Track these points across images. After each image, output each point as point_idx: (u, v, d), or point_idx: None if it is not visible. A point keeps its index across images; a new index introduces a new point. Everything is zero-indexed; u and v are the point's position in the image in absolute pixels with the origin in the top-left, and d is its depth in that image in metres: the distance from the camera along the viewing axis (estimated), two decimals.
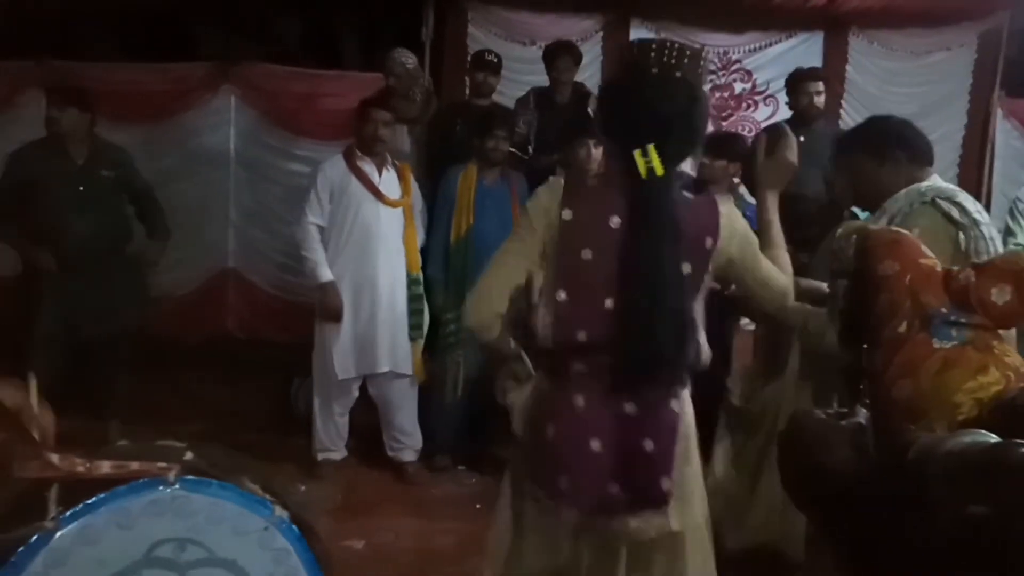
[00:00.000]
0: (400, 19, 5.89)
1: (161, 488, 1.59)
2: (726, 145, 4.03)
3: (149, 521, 1.57)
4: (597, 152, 4.27)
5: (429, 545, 3.66)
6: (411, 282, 4.20)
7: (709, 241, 1.89)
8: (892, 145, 2.60)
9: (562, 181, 1.93)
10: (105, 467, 1.57)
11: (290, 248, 5.18)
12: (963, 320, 1.59)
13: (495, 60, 4.89)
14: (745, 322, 4.44)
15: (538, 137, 4.84)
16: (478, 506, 3.95)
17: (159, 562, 1.58)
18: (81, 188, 4.09)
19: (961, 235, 2.40)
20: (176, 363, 5.18)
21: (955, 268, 1.73)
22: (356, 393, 4.25)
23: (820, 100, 4.80)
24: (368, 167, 4.11)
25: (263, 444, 4.36)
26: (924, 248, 1.77)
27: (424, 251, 4.30)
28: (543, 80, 5.17)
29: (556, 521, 1.94)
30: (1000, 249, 2.41)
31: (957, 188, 2.64)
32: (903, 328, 1.61)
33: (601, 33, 6.03)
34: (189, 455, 1.70)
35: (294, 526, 1.69)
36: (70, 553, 1.50)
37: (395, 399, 4.26)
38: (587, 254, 1.86)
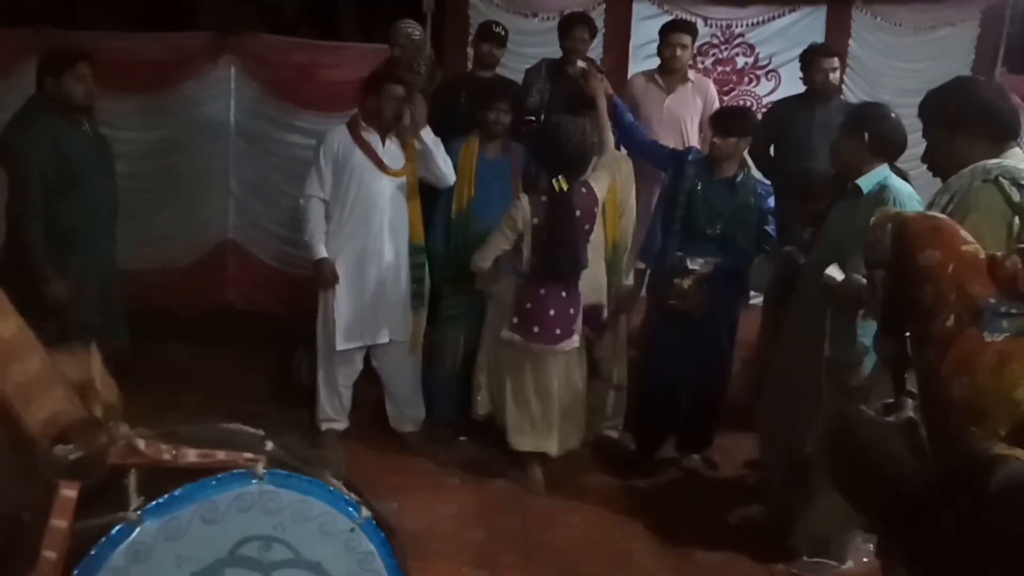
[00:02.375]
0: None
1: (251, 482, 1.49)
2: (735, 122, 3.99)
3: (235, 517, 1.48)
4: None
5: (430, 514, 3.69)
6: (413, 251, 4.20)
7: (596, 210, 3.91)
8: (967, 117, 2.46)
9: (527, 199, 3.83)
10: (191, 455, 1.47)
11: (290, 220, 5.19)
12: (1013, 311, 1.51)
13: (502, 33, 4.86)
14: (753, 295, 4.48)
15: (548, 108, 4.82)
16: (479, 476, 4.01)
17: (243, 561, 1.49)
18: (97, 155, 4.08)
19: (1017, 219, 2.31)
20: (176, 335, 5.18)
21: (998, 254, 1.65)
22: (360, 364, 4.25)
23: (835, 76, 4.79)
24: (372, 138, 4.10)
25: (265, 415, 4.32)
26: (964, 234, 1.69)
27: (426, 222, 4.30)
28: (544, 52, 5.14)
29: (525, 352, 3.91)
30: None
31: None
32: (951, 322, 1.53)
33: (604, 6, 6.01)
34: (270, 445, 1.60)
35: (379, 528, 1.62)
36: (153, 549, 1.40)
37: (397, 370, 4.27)
38: (542, 235, 3.79)
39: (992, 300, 1.52)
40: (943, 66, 6.19)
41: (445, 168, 4.19)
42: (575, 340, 3.92)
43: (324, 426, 4.25)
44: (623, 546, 3.61)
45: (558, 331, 3.85)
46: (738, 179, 3.98)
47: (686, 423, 4.23)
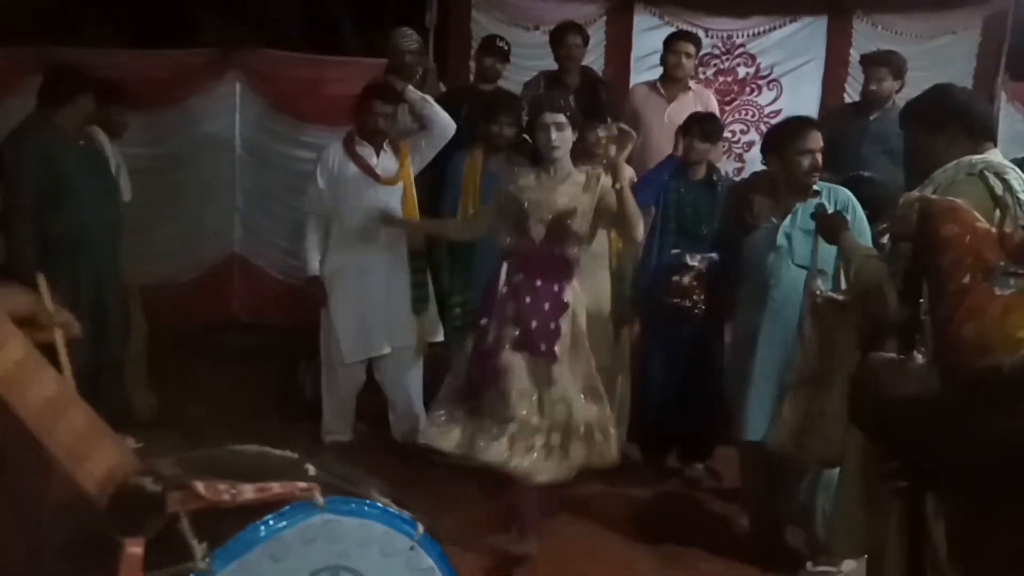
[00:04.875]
0: (404, 4, 5.89)
1: (313, 513, 1.46)
2: (709, 128, 4.25)
3: (302, 550, 1.45)
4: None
5: (434, 526, 3.68)
6: (412, 260, 4.23)
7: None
8: (949, 116, 2.58)
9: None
10: (248, 492, 1.41)
11: (295, 233, 5.21)
12: (1020, 271, 1.72)
13: (505, 47, 4.91)
14: None
15: None
16: (482, 487, 4.01)
17: None
18: (93, 171, 4.11)
19: (998, 212, 2.41)
20: (182, 348, 5.20)
21: (1007, 230, 1.87)
22: (363, 376, 4.28)
23: (885, 86, 4.79)
24: (365, 151, 4.16)
25: (269, 428, 4.37)
26: (977, 215, 1.90)
27: (429, 236, 4.33)
28: (546, 65, 5.17)
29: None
30: None
31: (1010, 165, 2.61)
32: (967, 280, 1.74)
33: (605, 18, 6.02)
34: (311, 468, 1.57)
35: (435, 542, 1.62)
36: None
37: (400, 382, 4.29)
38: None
39: (1002, 263, 1.74)
40: (945, 74, 6.14)
41: (443, 114, 4.24)
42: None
43: (328, 439, 4.27)
44: (625, 556, 3.61)
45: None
46: (714, 177, 4.23)
47: (686, 430, 4.24)
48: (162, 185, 5.67)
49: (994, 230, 1.85)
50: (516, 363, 3.40)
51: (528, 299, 3.45)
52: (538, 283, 3.46)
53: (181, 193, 5.76)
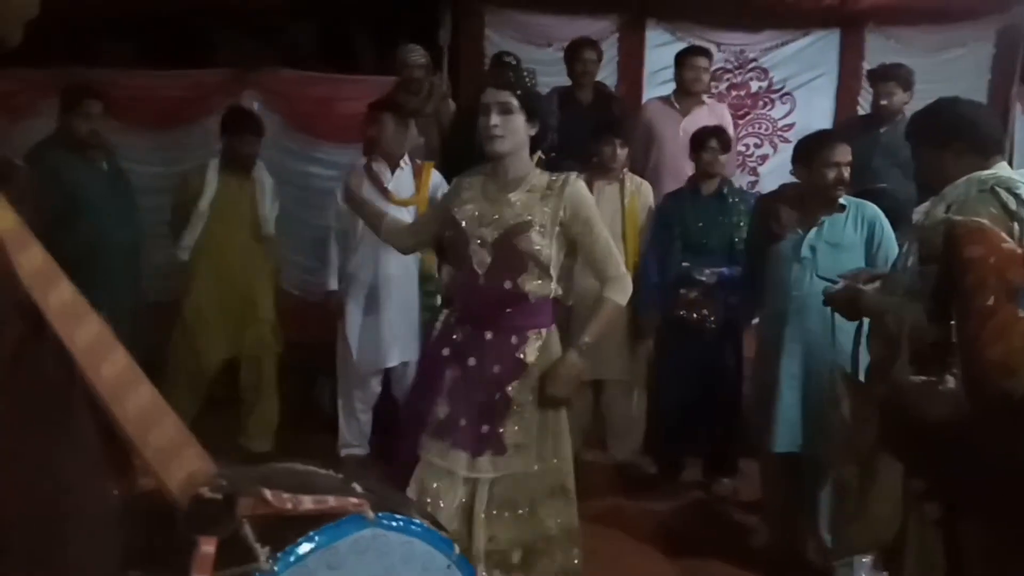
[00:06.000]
0: (417, 22, 5.93)
1: (365, 526, 1.54)
2: (719, 139, 4.26)
3: (354, 561, 1.53)
4: (622, 152, 4.32)
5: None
6: (424, 279, 4.27)
7: None
8: (954, 132, 2.55)
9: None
10: (307, 503, 1.51)
11: (312, 249, 5.25)
12: None
13: (513, 62, 4.93)
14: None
15: (561, 137, 4.86)
16: None
17: None
18: (111, 192, 4.15)
19: (1016, 226, 2.39)
20: None
21: None
22: (378, 389, 4.30)
23: (896, 100, 4.79)
24: (380, 167, 4.18)
25: (286, 441, 4.40)
26: (1003, 235, 1.91)
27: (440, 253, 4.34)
28: (559, 82, 5.19)
29: None
30: None
31: (1020, 178, 2.56)
32: (991, 301, 1.74)
33: (617, 34, 6.05)
34: (358, 487, 1.63)
35: (468, 563, 1.69)
36: None
37: None
38: None
39: None
40: (958, 86, 6.12)
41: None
42: None
43: (344, 452, 4.28)
44: (645, 570, 3.59)
45: None
46: (724, 191, 4.23)
47: (708, 444, 4.23)
48: None
49: (1019, 250, 1.85)
50: (436, 461, 2.56)
51: (472, 361, 2.56)
52: (488, 336, 2.56)
53: None
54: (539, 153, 2.82)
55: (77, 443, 1.24)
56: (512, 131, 2.57)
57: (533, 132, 2.61)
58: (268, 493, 1.46)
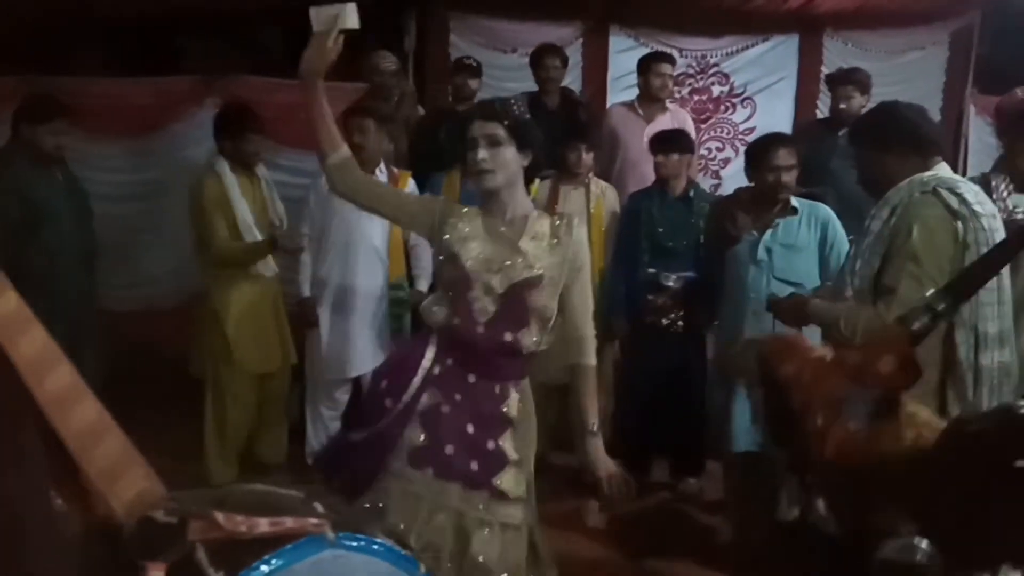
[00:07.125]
0: (382, 29, 5.95)
1: (324, 547, 1.48)
2: (674, 139, 4.26)
3: None
4: (588, 157, 4.37)
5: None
6: (393, 287, 4.28)
7: None
8: (897, 134, 2.61)
9: None
10: (263, 525, 1.44)
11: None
12: (866, 398, 1.68)
13: (474, 64, 4.99)
14: None
15: None
16: None
17: None
18: (68, 201, 4.13)
19: (960, 225, 2.44)
20: (161, 375, 5.19)
21: (842, 353, 1.86)
22: (345, 397, 4.29)
23: (854, 103, 4.83)
24: None
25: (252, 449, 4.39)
26: (810, 343, 1.92)
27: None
28: (524, 87, 5.23)
29: None
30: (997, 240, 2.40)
31: (960, 178, 2.66)
32: (820, 420, 1.71)
33: (581, 40, 6.13)
34: (319, 506, 1.58)
35: None
36: None
37: None
38: None
39: (846, 392, 1.71)
40: (914, 89, 6.31)
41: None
42: None
43: (312, 460, 4.27)
44: (608, 569, 3.65)
45: None
46: (691, 194, 4.22)
47: (673, 444, 4.28)
48: (144, 211, 5.69)
49: (828, 356, 1.83)
50: (421, 492, 2.34)
51: (458, 397, 2.39)
52: (471, 379, 2.39)
53: (163, 219, 5.77)
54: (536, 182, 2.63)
55: (22, 458, 1.21)
56: (502, 164, 2.37)
57: (526, 163, 2.41)
58: (220, 516, 1.40)
